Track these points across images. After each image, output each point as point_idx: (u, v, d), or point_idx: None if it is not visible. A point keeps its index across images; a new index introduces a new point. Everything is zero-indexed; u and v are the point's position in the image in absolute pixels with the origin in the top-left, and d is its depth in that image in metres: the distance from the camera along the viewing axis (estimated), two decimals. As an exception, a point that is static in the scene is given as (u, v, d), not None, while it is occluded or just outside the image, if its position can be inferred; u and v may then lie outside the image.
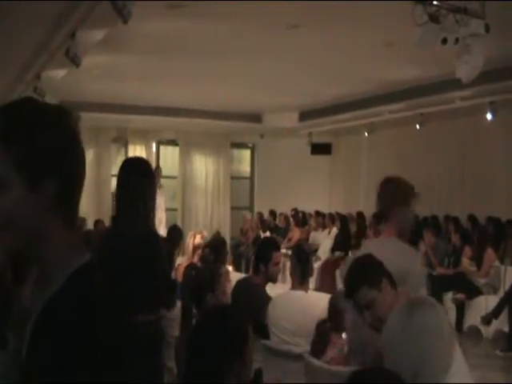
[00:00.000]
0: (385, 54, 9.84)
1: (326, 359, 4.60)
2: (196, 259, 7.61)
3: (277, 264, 5.89)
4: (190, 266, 5.77)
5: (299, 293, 5.37)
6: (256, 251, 6.21)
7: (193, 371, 2.77)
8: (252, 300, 5.49)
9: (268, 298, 5.55)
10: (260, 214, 17.14)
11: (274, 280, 5.93)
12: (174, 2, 7.50)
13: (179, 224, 15.54)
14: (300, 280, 5.48)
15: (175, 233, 8.27)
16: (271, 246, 6.09)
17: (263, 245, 6.30)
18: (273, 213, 17.05)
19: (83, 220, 12.62)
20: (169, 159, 18.36)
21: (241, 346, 2.76)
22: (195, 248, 7.86)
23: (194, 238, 8.06)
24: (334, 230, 14.57)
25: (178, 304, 4.76)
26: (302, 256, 5.66)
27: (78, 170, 1.60)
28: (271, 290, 5.93)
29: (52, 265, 1.55)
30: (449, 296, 10.26)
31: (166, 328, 4.63)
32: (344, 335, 4.84)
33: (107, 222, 14.43)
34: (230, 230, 17.88)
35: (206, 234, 8.86)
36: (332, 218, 15.08)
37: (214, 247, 7.20)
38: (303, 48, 9.74)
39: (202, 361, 2.73)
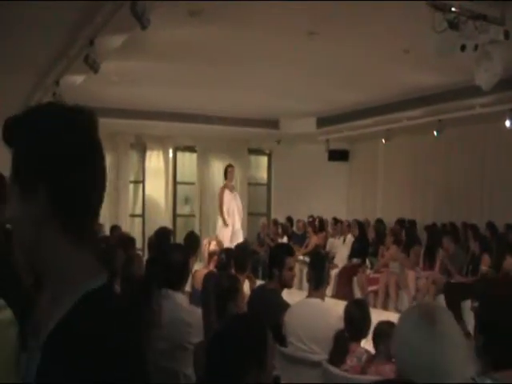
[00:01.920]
0: (403, 60, 9.79)
1: (345, 368, 4.58)
2: (212, 266, 7.59)
3: (291, 269, 5.88)
4: (208, 274, 5.78)
5: (315, 300, 5.35)
6: (269, 257, 6.20)
7: (212, 380, 2.76)
8: (268, 305, 5.48)
9: (284, 304, 5.53)
10: (275, 221, 17.11)
11: (288, 285, 5.92)
12: (194, 9, 7.50)
13: (197, 230, 15.58)
14: (315, 287, 5.46)
15: (192, 240, 8.26)
16: (284, 251, 6.09)
17: (276, 250, 6.30)
18: (290, 219, 17.01)
19: (100, 226, 12.62)
20: (186, 165, 18.37)
21: (260, 355, 2.75)
22: (211, 254, 7.85)
23: (209, 245, 8.07)
24: (349, 237, 14.51)
25: (198, 311, 4.75)
26: (317, 263, 5.64)
27: (79, 175, 1.44)
28: (289, 296, 5.91)
29: (59, 284, 1.46)
30: (467, 304, 10.17)
31: (184, 335, 4.62)
32: (362, 343, 4.82)
33: (125, 228, 14.50)
34: (246, 236, 17.84)
35: (221, 239, 8.88)
36: (348, 225, 15.01)
37: (231, 253, 7.18)
38: (321, 54, 9.73)
39: (221, 369, 2.72)
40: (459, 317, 8.77)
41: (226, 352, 2.72)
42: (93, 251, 1.49)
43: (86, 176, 1.46)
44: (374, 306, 11.57)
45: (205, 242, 8.42)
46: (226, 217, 13.86)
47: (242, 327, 2.87)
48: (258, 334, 2.85)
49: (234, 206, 14.02)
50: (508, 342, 2.92)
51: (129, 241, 8.58)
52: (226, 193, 14.07)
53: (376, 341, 4.53)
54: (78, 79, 10.05)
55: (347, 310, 4.91)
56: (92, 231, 1.51)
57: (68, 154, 1.43)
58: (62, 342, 1.38)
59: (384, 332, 4.37)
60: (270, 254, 6.36)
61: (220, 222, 14.10)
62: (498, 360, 2.91)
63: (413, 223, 14.34)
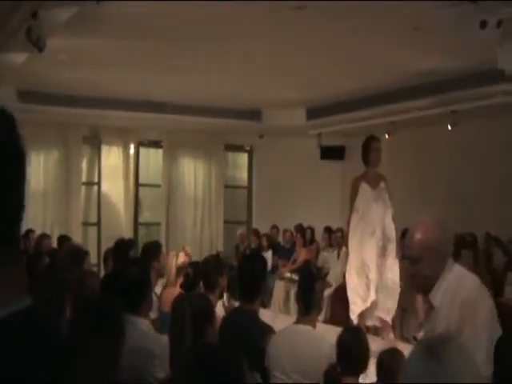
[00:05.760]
0: (411, 39, 9.81)
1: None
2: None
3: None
4: (180, 295, 5.72)
5: (304, 328, 5.31)
6: (249, 270, 5.92)
7: None
8: (248, 331, 5.43)
9: (268, 328, 5.48)
10: (256, 231, 17.08)
11: (265, 304, 5.93)
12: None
13: (163, 242, 15.49)
14: (305, 311, 5.42)
15: (151, 250, 8.17)
16: (264, 262, 6.05)
17: (258, 261, 6.15)
18: (276, 228, 17.00)
19: (44, 237, 12.50)
20: (151, 164, 18.31)
21: None
22: (179, 270, 7.77)
23: (177, 258, 7.97)
24: (345, 251, 14.42)
25: (164, 339, 4.70)
26: (308, 282, 5.58)
27: None
28: (274, 322, 5.88)
29: None
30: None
31: (149, 368, 4.58)
32: (361, 378, 4.79)
33: (76, 238, 14.37)
34: (223, 248, 17.80)
35: (189, 250, 8.81)
36: (342, 236, 14.91)
37: (199, 269, 7.11)
38: (312, 32, 9.70)
39: None
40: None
41: None
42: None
43: None
44: (375, 334, 11.56)
45: (171, 254, 8.32)
46: (350, 239, 10.06)
47: (217, 362, 2.88)
48: (235, 369, 2.86)
49: (375, 215, 9.77)
50: None
51: (81, 254, 8.51)
52: (364, 189, 9.89)
53: (379, 374, 4.51)
54: (20, 58, 9.95)
55: (341, 339, 4.88)
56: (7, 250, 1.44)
57: None
58: None
59: (388, 363, 4.35)
60: (249, 266, 6.12)
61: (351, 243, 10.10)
62: None
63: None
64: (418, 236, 4.04)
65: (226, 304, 7.00)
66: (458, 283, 3.99)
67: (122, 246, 8.60)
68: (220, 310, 6.58)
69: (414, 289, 4.24)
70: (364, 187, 9.73)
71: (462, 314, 3.83)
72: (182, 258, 7.96)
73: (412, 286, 4.19)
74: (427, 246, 3.98)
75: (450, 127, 13.81)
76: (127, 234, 15.41)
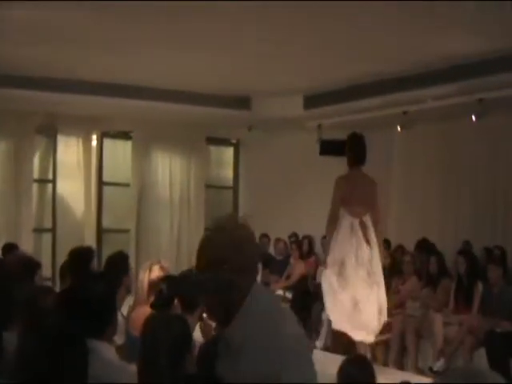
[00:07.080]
0: (427, 17, 9.82)
1: None
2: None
3: None
4: (152, 316, 5.71)
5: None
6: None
7: None
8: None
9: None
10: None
11: None
12: None
13: (132, 251, 15.46)
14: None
15: (118, 263, 8.16)
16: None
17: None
18: (266, 237, 16.96)
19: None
20: (118, 159, 18.24)
21: None
22: (152, 285, 7.75)
23: (150, 272, 7.95)
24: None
25: (131, 369, 4.70)
26: (304, 301, 5.61)
27: None
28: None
29: None
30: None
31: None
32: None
33: (27, 247, 14.30)
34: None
35: (166, 264, 8.80)
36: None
37: (174, 285, 7.10)
38: (310, 8, 9.68)
39: None
40: (507, 379, 8.78)
41: None
42: None
43: None
44: (385, 364, 11.57)
45: (144, 267, 8.29)
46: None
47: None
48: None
49: None
50: None
51: (32, 266, 8.50)
52: None
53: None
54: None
55: (342, 370, 4.90)
56: None
57: None
58: None
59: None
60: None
61: None
62: None
63: (433, 246, 14.28)
64: (212, 245, 3.44)
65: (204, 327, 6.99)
66: (272, 315, 3.39)
67: (78, 256, 8.54)
68: (198, 335, 6.58)
69: (209, 317, 3.62)
70: None
71: (283, 355, 3.21)
72: (156, 272, 7.90)
73: (207, 312, 3.59)
74: (224, 258, 3.36)
75: (474, 118, 13.78)
76: (88, 242, 15.34)
